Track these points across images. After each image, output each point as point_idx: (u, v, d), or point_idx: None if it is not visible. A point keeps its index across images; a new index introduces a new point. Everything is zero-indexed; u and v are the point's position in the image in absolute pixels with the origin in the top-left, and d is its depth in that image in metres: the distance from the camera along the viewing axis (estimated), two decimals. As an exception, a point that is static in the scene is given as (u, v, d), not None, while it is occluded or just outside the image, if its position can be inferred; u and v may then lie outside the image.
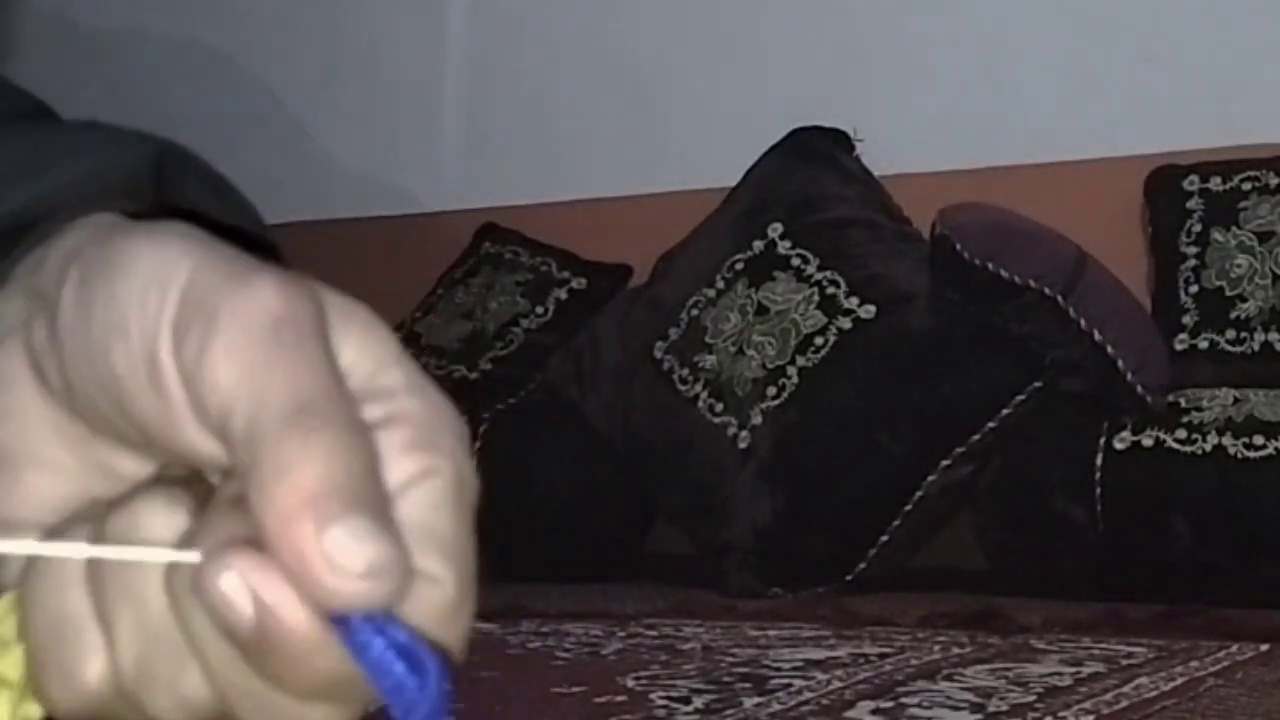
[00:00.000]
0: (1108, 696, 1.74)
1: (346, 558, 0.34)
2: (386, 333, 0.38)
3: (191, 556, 0.35)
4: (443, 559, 0.38)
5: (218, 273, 0.37)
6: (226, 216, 0.46)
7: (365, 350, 0.37)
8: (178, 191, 0.45)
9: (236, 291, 0.36)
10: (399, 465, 0.36)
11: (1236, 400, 2.70)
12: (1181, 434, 2.67)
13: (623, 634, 2.29)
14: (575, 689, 1.84)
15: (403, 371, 0.38)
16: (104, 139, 0.43)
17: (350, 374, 0.37)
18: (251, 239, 0.43)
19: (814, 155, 3.23)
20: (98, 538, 0.37)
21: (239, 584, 0.34)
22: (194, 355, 0.36)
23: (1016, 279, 2.79)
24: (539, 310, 3.46)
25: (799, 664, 1.99)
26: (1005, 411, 2.80)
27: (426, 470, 0.37)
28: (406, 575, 0.35)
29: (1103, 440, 2.72)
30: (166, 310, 0.36)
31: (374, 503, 0.35)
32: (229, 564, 0.34)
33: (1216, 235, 3.03)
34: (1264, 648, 2.07)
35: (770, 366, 2.98)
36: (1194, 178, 3.12)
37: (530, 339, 3.42)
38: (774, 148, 3.26)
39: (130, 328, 0.36)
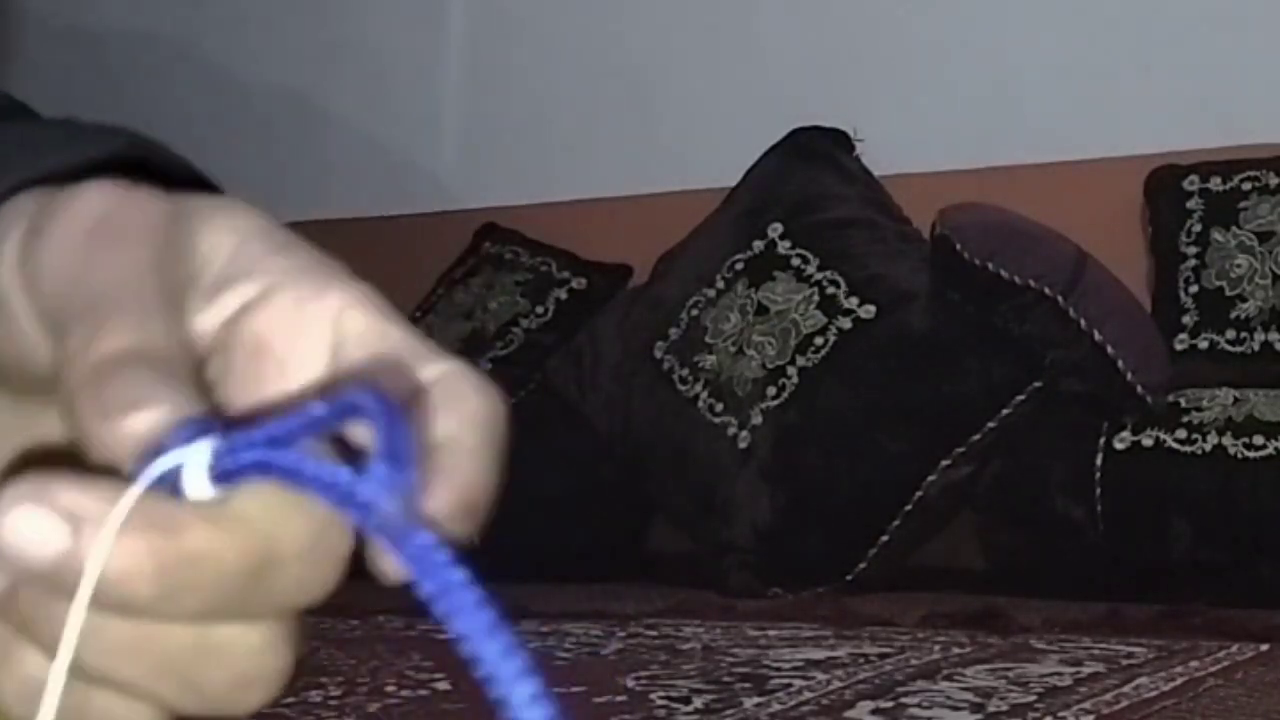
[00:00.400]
0: (1108, 696, 1.74)
1: (117, 401, 0.33)
2: (254, 213, 0.39)
3: None
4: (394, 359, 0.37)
5: (61, 191, 0.38)
6: None
7: (230, 230, 0.38)
8: (149, 184, 0.45)
9: (68, 200, 0.38)
10: (310, 309, 0.37)
11: (1236, 400, 2.70)
12: (1181, 434, 2.67)
13: (623, 634, 2.29)
14: (575, 689, 1.84)
15: (271, 239, 0.38)
16: (70, 135, 0.43)
17: (213, 256, 0.37)
18: None
19: (814, 155, 3.23)
20: None
21: (33, 510, 0.32)
22: (31, 268, 0.37)
23: (1016, 279, 2.79)
24: (539, 310, 3.46)
25: (799, 664, 1.99)
26: (1005, 411, 2.80)
27: (324, 305, 0.37)
28: (177, 411, 0.33)
29: (1103, 440, 2.72)
30: (16, 232, 0.38)
31: (159, 364, 0.34)
32: (15, 496, 0.32)
33: (1216, 235, 3.03)
34: (1264, 648, 2.07)
35: (770, 366, 2.98)
36: (1194, 178, 3.12)
37: (530, 339, 3.42)
38: (774, 148, 3.26)
39: None
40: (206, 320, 0.37)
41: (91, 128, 0.44)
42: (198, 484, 0.33)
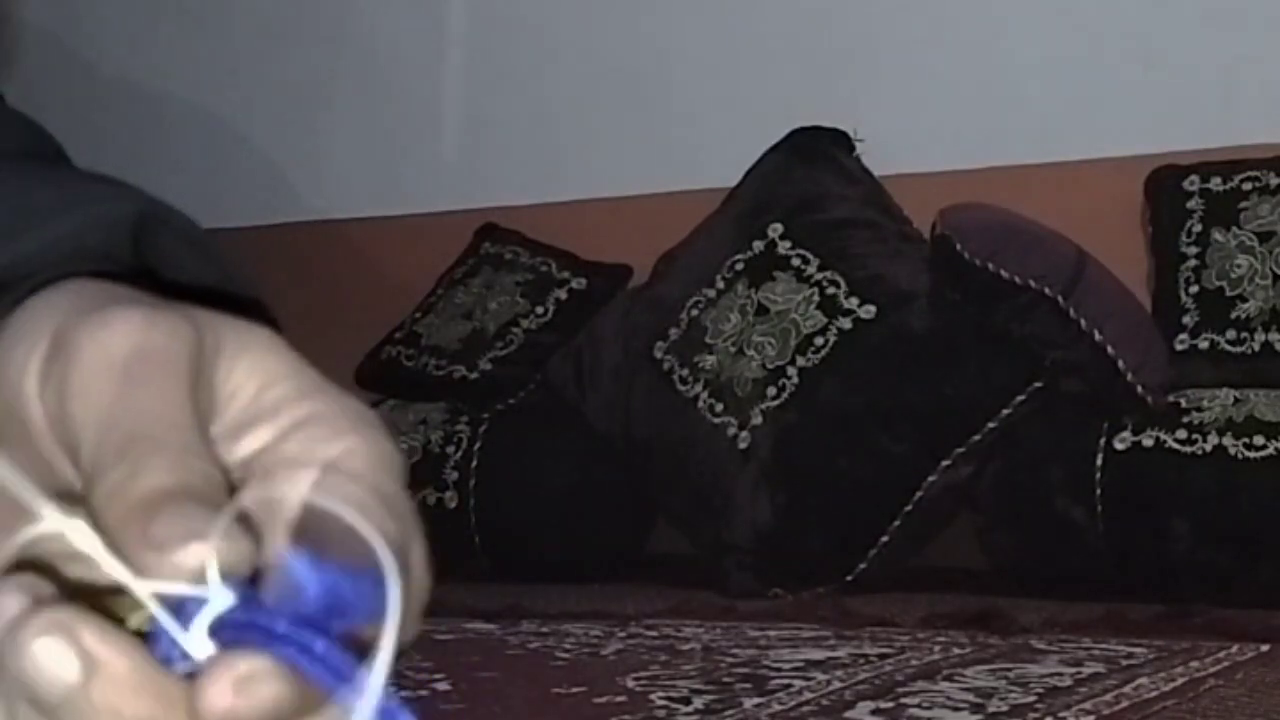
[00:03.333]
0: (1108, 697, 1.74)
1: (169, 536, 0.34)
2: (281, 352, 0.39)
3: None
4: (381, 506, 0.38)
5: (85, 313, 0.38)
6: (205, 276, 0.47)
7: (254, 371, 0.39)
8: (155, 253, 0.46)
9: (95, 329, 0.37)
10: (320, 453, 0.38)
11: (1237, 400, 2.70)
12: (1182, 434, 2.67)
13: (623, 634, 2.29)
14: (575, 689, 1.84)
15: (293, 383, 0.39)
16: (87, 196, 0.44)
17: (237, 396, 0.38)
18: (235, 297, 0.45)
19: (814, 155, 3.23)
20: None
21: (59, 640, 0.33)
22: (55, 395, 0.37)
23: (1016, 279, 2.79)
24: (539, 310, 3.46)
25: (799, 664, 1.99)
26: (1005, 411, 2.80)
27: (345, 451, 0.38)
28: (241, 555, 0.34)
29: (1103, 440, 2.72)
30: (35, 354, 0.38)
31: (202, 503, 0.35)
32: (48, 621, 0.34)
33: (1217, 235, 3.03)
34: (1264, 648, 2.07)
35: (770, 367, 2.98)
36: (1194, 178, 3.12)
37: (530, 339, 3.42)
38: (774, 148, 3.26)
39: (9, 375, 0.38)
40: (228, 456, 0.38)
41: (101, 186, 0.44)
42: (200, 640, 0.34)
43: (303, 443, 0.38)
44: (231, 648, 0.34)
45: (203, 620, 0.34)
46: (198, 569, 0.34)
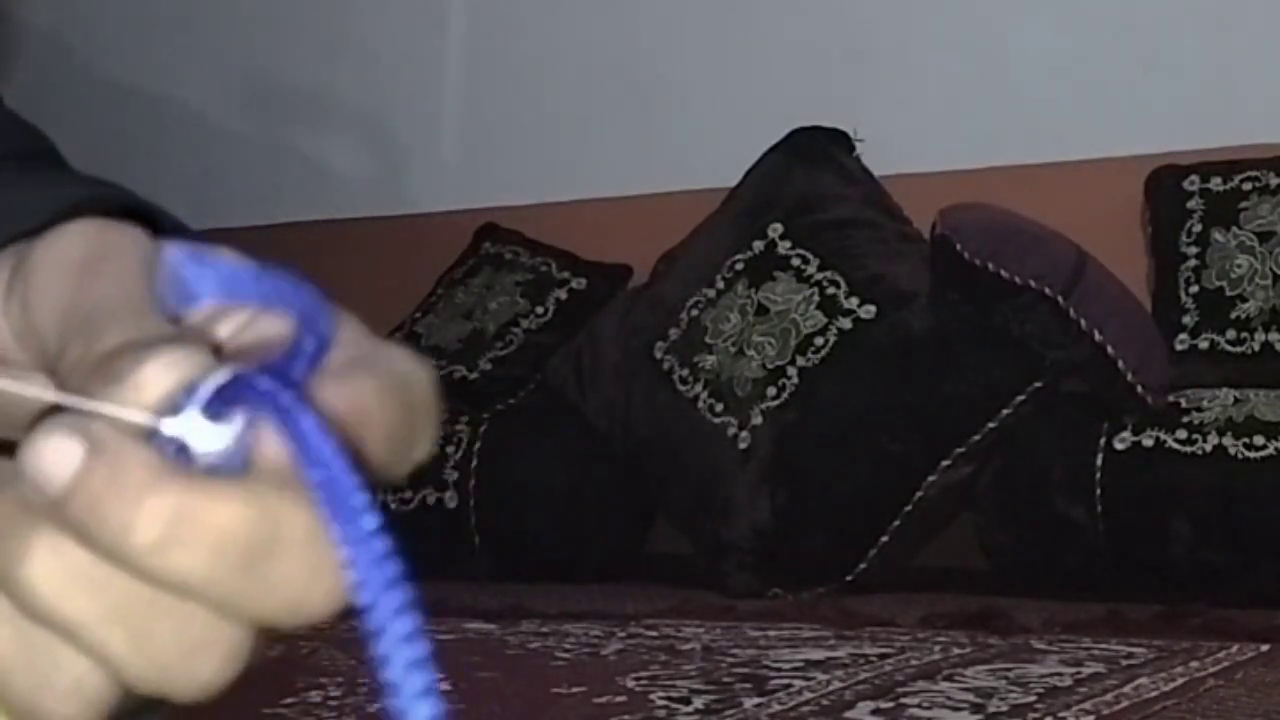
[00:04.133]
0: (1108, 697, 1.74)
1: (129, 367, 0.34)
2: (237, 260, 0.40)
3: None
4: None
5: (40, 239, 0.39)
6: None
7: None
8: None
9: (52, 239, 0.39)
10: (286, 329, 0.38)
11: (1237, 400, 2.70)
12: (1182, 434, 2.67)
13: (623, 634, 2.29)
14: (575, 689, 1.84)
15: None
16: (71, 194, 0.44)
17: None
18: None
19: (814, 155, 3.23)
20: None
21: (65, 435, 0.33)
22: (19, 306, 0.38)
23: (1016, 279, 2.79)
24: (539, 310, 3.46)
25: (799, 664, 1.99)
26: (1005, 411, 2.80)
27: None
28: (200, 365, 0.34)
29: (1103, 440, 2.72)
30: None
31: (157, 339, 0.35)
32: (52, 425, 0.33)
33: (1217, 235, 3.03)
34: (1264, 648, 2.07)
35: (770, 367, 2.98)
36: (1194, 178, 3.12)
37: (530, 339, 3.42)
38: (774, 148, 3.26)
39: None
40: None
41: (88, 186, 0.45)
42: (204, 433, 0.34)
43: (265, 325, 0.38)
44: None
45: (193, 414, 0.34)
46: (160, 382, 0.34)
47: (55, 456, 0.33)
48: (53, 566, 0.33)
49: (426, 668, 0.32)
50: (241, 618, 0.34)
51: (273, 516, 0.33)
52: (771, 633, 2.29)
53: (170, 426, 0.33)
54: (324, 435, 0.33)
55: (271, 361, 0.35)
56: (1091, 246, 2.91)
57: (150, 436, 0.34)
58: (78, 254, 0.38)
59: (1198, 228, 3.06)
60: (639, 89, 3.78)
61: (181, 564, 0.33)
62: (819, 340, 2.97)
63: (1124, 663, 1.97)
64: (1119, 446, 2.70)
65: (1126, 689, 1.78)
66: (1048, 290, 2.78)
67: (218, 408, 0.34)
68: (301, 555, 0.34)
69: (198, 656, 0.34)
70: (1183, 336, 2.98)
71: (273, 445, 0.34)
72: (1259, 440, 2.61)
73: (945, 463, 2.80)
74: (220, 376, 0.34)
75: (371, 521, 0.33)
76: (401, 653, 0.33)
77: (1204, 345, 2.96)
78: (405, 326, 3.58)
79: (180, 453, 0.34)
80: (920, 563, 2.92)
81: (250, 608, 0.34)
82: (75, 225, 0.39)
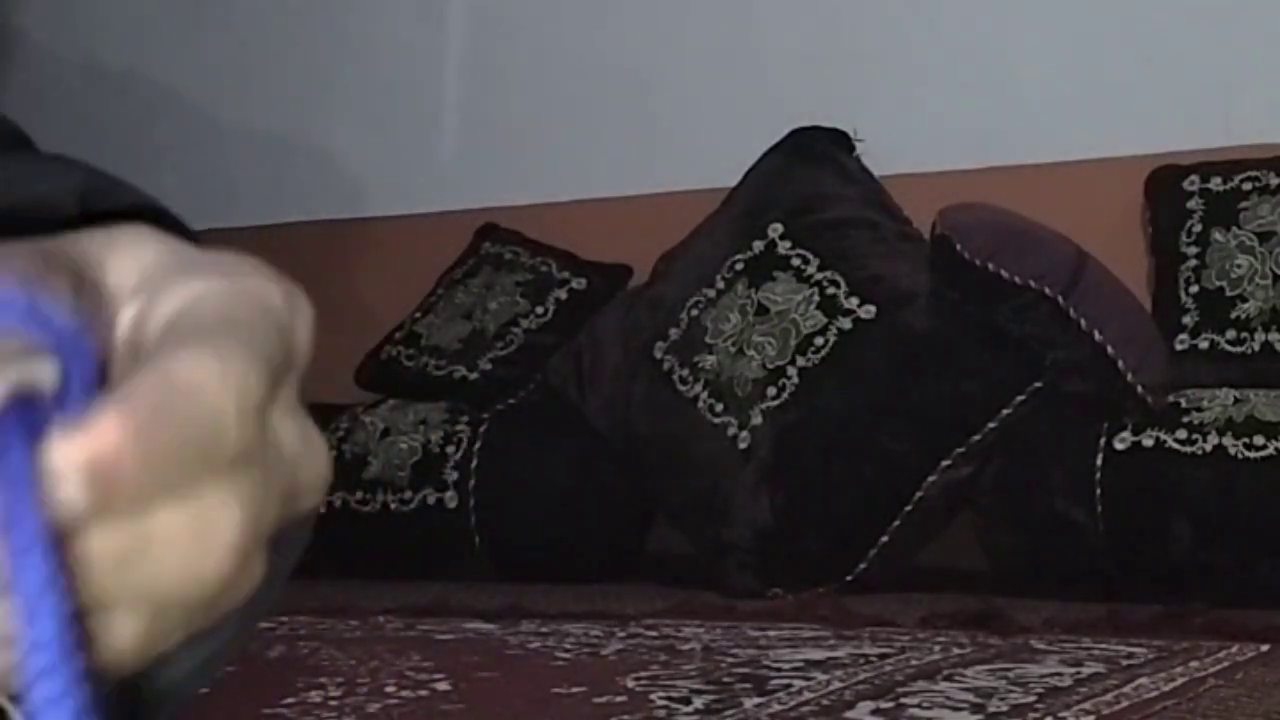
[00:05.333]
0: (1108, 697, 1.74)
1: None
2: (156, 239, 0.41)
3: None
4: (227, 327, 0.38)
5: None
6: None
7: (133, 260, 0.40)
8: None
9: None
10: (181, 295, 0.39)
11: (1237, 400, 2.70)
12: (1182, 434, 2.67)
13: (623, 634, 2.29)
14: (575, 689, 1.84)
15: (171, 259, 0.40)
16: (29, 178, 0.44)
17: (123, 285, 0.40)
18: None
19: (814, 155, 3.23)
20: None
21: None
22: None
23: (1016, 279, 2.79)
24: (539, 310, 3.46)
25: (799, 664, 1.99)
26: (1005, 411, 2.80)
27: (205, 289, 0.39)
28: None
29: (1103, 440, 2.72)
30: None
31: None
32: None
33: (1217, 235, 3.03)
34: (1264, 648, 2.07)
35: (770, 366, 2.98)
36: (1194, 178, 3.12)
37: (530, 339, 3.42)
38: (774, 148, 3.26)
39: None
40: (139, 336, 0.39)
41: (47, 165, 0.45)
42: None
43: (171, 296, 0.38)
44: None
45: None
46: None
47: None
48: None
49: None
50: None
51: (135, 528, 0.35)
52: (771, 633, 2.29)
53: None
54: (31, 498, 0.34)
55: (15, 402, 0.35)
56: (1091, 246, 2.91)
57: None
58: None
59: (1198, 228, 3.06)
60: (638, 89, 3.78)
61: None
62: (819, 340, 2.97)
63: (1124, 663, 1.97)
64: (1119, 446, 2.70)
65: (1126, 689, 1.78)
66: (1048, 290, 2.77)
67: None
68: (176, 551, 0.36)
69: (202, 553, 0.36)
70: (1183, 336, 2.98)
71: None
72: (1259, 440, 2.61)
73: (945, 463, 2.80)
74: None
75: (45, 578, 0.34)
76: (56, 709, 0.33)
77: (1204, 345, 2.96)
78: (405, 326, 3.58)
79: None
80: (920, 563, 2.92)
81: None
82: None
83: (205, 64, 4.28)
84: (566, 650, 2.16)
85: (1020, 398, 2.80)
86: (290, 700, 1.79)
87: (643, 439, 3.12)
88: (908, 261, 3.03)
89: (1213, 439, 2.64)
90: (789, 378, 2.96)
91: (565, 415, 3.27)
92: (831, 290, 3.02)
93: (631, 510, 3.23)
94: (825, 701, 1.74)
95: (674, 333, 3.13)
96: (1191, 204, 3.09)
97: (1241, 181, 3.06)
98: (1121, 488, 2.68)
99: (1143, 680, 1.83)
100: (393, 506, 3.25)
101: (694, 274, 3.18)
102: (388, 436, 3.32)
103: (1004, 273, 2.80)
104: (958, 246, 2.86)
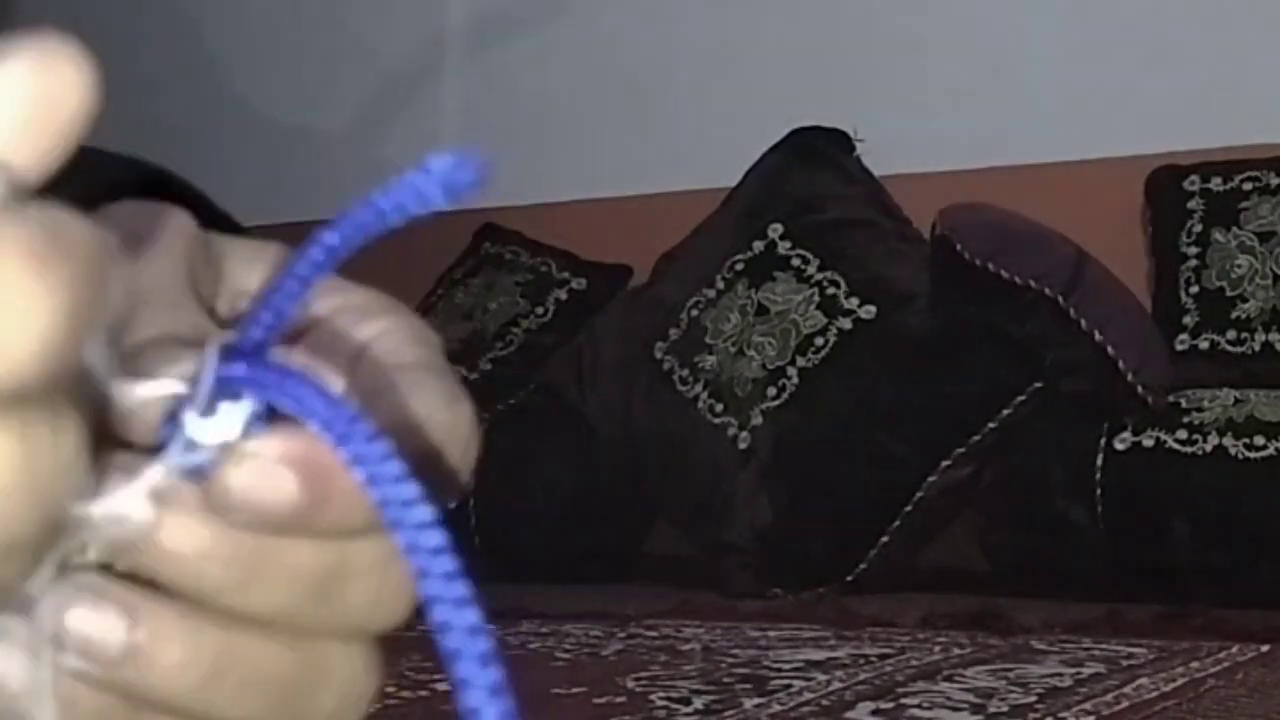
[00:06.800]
0: (1108, 697, 1.74)
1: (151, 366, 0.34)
2: (280, 252, 0.41)
3: None
4: (418, 363, 0.39)
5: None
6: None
7: (256, 260, 0.41)
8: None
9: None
10: (356, 334, 0.39)
11: (1237, 400, 2.70)
12: (1182, 434, 2.67)
13: (623, 634, 2.29)
14: (575, 689, 1.84)
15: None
16: (96, 167, 0.44)
17: (247, 283, 0.40)
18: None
19: (814, 155, 3.23)
20: None
21: (99, 610, 0.31)
22: None
23: (1016, 279, 2.79)
24: (539, 310, 3.46)
25: (799, 665, 1.99)
26: (1005, 411, 2.80)
27: (381, 331, 0.39)
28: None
29: (1103, 440, 2.72)
30: None
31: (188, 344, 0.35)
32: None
33: (1217, 235, 3.03)
34: (1264, 648, 2.07)
35: (770, 367, 2.98)
36: (1194, 178, 3.12)
37: (530, 339, 3.42)
38: (774, 148, 3.26)
39: None
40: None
41: (110, 158, 0.45)
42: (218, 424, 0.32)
43: (337, 328, 0.38)
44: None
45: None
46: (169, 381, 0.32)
47: (99, 631, 0.32)
48: (200, 653, 0.33)
49: (494, 662, 0.32)
50: (340, 633, 0.35)
51: (340, 549, 0.34)
52: (771, 633, 2.29)
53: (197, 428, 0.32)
54: (367, 431, 0.33)
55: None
56: (1091, 246, 2.91)
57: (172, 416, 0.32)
58: (119, 235, 0.37)
59: (1198, 228, 3.06)
60: (638, 89, 3.78)
61: (261, 600, 0.33)
62: (819, 340, 2.97)
63: (1124, 663, 1.96)
64: (1119, 446, 2.70)
65: (1127, 689, 1.78)
66: (1048, 290, 2.77)
67: (224, 396, 0.33)
68: (370, 581, 0.35)
69: (348, 709, 0.36)
70: (1183, 336, 2.98)
71: (314, 450, 0.33)
72: (1259, 440, 2.61)
73: (945, 463, 2.80)
74: (222, 368, 0.33)
75: (426, 515, 0.33)
76: (469, 647, 0.32)
77: (1204, 345, 2.96)
78: (405, 326, 3.58)
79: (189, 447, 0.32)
80: (920, 563, 2.92)
81: (329, 630, 0.35)
82: (116, 205, 0.39)
83: (203, 64, 4.28)
84: (566, 650, 2.16)
85: (1020, 398, 2.80)
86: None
87: (643, 439, 3.12)
88: (908, 262, 3.03)
89: (1213, 439, 2.64)
90: (789, 378, 2.96)
91: (565, 415, 3.27)
92: (831, 290, 3.01)
93: (631, 510, 3.23)
94: (825, 702, 1.74)
95: (674, 333, 3.13)
96: (1192, 204, 3.09)
97: (1242, 181, 3.06)
98: (1121, 488, 2.68)
99: (1143, 680, 1.83)
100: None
101: (694, 274, 3.18)
102: (388, 436, 3.32)
103: (1004, 273, 2.80)
104: (958, 246, 2.86)
